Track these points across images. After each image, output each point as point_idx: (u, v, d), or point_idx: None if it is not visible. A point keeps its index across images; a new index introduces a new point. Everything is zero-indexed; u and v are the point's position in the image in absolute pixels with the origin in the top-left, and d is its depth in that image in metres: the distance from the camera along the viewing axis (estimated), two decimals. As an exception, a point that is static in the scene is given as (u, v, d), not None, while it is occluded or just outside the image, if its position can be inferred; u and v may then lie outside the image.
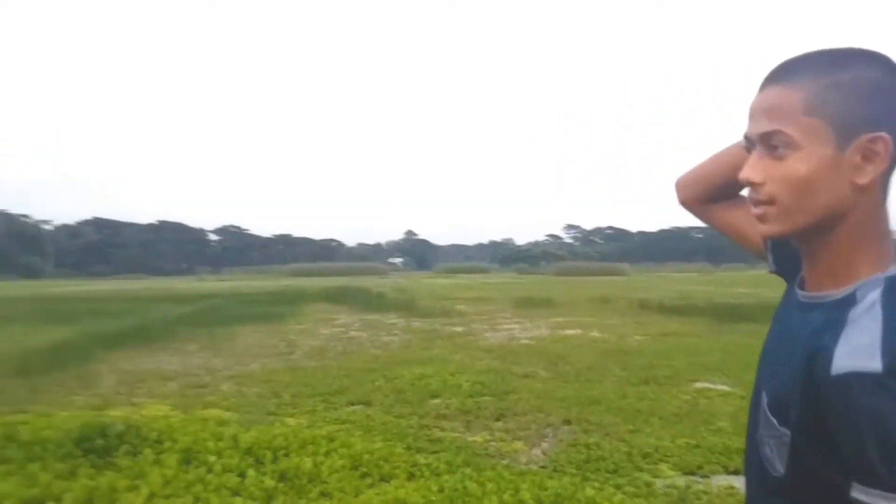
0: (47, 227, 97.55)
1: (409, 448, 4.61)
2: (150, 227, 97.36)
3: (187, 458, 4.00)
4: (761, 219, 0.89)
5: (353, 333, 13.58)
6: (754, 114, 0.88)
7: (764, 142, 0.86)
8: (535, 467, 4.54)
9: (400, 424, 5.66)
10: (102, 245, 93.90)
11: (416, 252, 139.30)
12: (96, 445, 4.15)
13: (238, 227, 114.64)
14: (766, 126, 0.85)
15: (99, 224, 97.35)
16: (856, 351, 0.72)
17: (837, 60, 0.83)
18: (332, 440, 4.51)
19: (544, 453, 4.98)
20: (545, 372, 8.54)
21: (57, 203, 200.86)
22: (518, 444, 5.17)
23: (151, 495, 3.34)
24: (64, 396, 7.29)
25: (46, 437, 4.23)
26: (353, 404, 6.70)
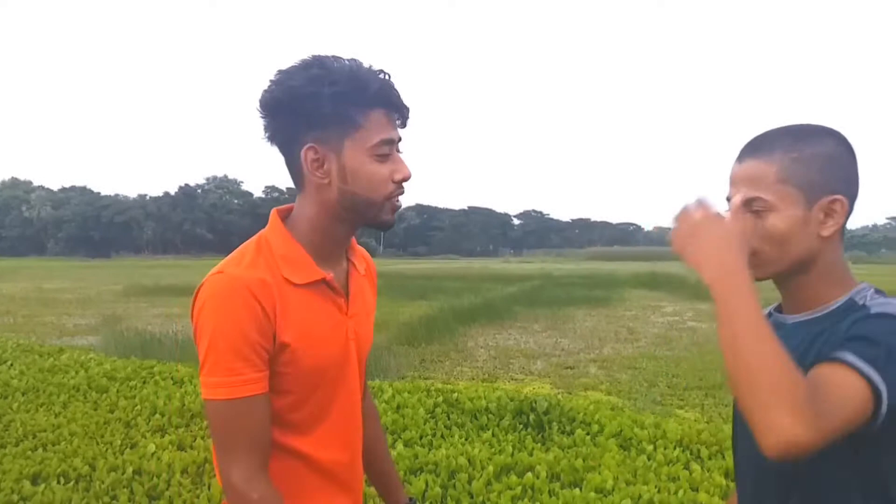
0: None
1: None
2: (462, 212, 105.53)
3: (624, 444, 4.09)
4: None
5: (690, 324, 13.00)
6: (736, 182, 1.08)
7: (746, 205, 1.05)
8: None
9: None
10: (423, 228, 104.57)
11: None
12: (531, 420, 4.46)
13: (539, 212, 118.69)
14: (746, 193, 1.05)
15: (420, 209, 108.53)
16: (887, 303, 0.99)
17: (801, 137, 1.05)
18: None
19: None
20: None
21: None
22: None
23: (616, 479, 3.45)
24: (451, 368, 8.11)
25: (483, 408, 4.68)
26: (740, 402, 6.31)
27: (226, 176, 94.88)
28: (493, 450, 3.92)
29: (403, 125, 1.15)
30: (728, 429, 4.59)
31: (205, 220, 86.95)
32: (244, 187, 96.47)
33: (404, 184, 1.15)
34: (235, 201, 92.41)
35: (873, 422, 0.89)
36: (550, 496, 3.28)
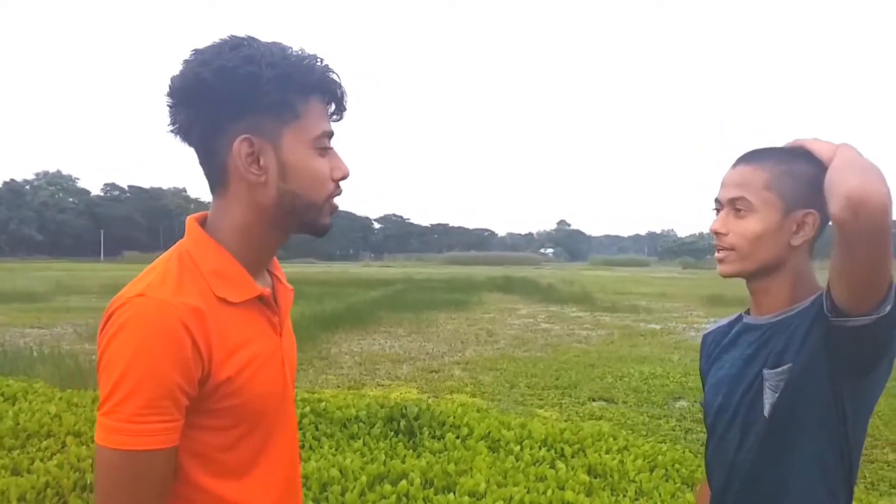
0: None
1: (692, 452, 4.50)
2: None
3: (493, 445, 4.19)
4: (721, 261, 1.22)
5: (544, 325, 13.63)
6: (726, 184, 1.21)
7: (730, 205, 1.19)
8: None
9: (661, 426, 5.58)
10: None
11: (569, 242, 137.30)
12: (402, 426, 4.45)
13: (399, 216, 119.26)
14: (734, 193, 1.18)
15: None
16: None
17: (794, 154, 1.16)
18: (614, 438, 4.52)
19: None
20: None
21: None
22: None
23: (487, 481, 3.52)
24: (315, 376, 7.93)
25: (353, 416, 4.60)
26: (594, 400, 6.70)
27: (59, 171, 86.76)
28: (365, 459, 3.87)
29: (340, 118, 1.02)
30: (587, 427, 4.89)
31: (34, 219, 78.90)
32: (80, 184, 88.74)
33: (341, 183, 1.03)
34: (70, 199, 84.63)
35: (874, 311, 1.01)
36: (425, 503, 3.30)
